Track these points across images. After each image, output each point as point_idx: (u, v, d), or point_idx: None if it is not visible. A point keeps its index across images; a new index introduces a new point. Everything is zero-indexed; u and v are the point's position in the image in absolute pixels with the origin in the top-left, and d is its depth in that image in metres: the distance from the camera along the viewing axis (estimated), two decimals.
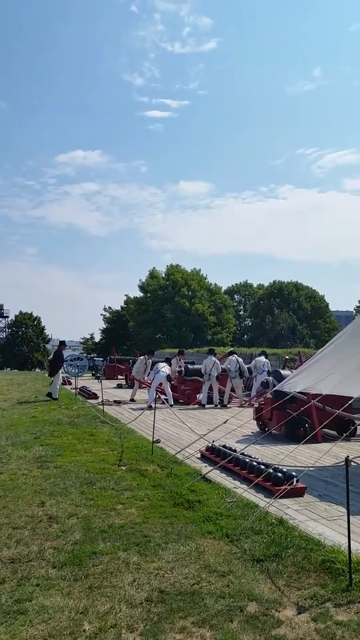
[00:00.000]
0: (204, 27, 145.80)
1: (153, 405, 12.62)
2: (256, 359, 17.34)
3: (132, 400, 16.66)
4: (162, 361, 16.79)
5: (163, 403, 14.03)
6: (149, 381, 16.73)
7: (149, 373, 17.02)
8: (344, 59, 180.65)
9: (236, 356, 16.88)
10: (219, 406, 15.76)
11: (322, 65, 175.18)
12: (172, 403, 15.43)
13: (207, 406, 15.67)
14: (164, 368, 15.58)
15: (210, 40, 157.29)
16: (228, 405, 15.91)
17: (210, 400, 16.01)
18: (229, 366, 16.28)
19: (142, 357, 17.93)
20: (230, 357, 16.84)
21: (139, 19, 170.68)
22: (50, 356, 18.91)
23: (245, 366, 16.66)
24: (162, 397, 14.64)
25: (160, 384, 15.38)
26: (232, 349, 22.14)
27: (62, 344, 18.62)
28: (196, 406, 15.78)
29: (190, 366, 17.39)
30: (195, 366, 17.23)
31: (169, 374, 15.63)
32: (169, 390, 15.61)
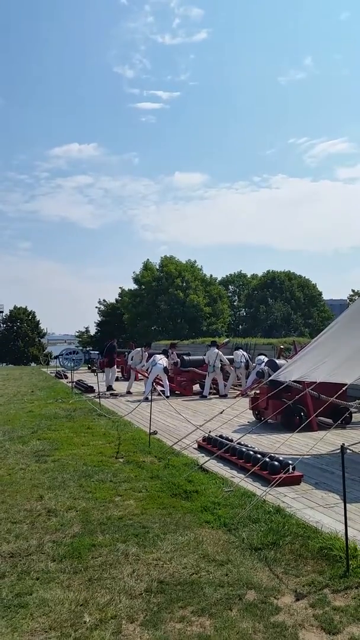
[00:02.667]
0: (194, 17, 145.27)
1: (150, 397, 12.66)
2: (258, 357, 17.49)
3: (129, 392, 16.69)
4: (159, 353, 16.82)
5: (159, 395, 14.08)
6: (144, 371, 16.80)
7: (144, 364, 17.11)
8: (335, 47, 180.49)
9: (242, 350, 17.30)
10: (227, 396, 15.79)
11: (314, 54, 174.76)
12: (169, 394, 15.50)
13: (208, 397, 15.69)
14: (161, 360, 15.62)
15: (200, 30, 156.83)
16: (229, 395, 15.96)
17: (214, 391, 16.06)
18: (232, 357, 16.42)
19: (138, 349, 17.93)
20: (237, 351, 17.12)
21: (129, 10, 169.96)
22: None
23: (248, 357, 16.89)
24: (159, 388, 14.69)
25: (158, 376, 15.44)
26: (227, 339, 22.21)
27: (115, 339, 20.25)
28: (195, 397, 15.81)
29: (186, 357, 17.43)
30: (192, 357, 17.25)
31: (166, 366, 15.69)
32: (167, 382, 15.70)
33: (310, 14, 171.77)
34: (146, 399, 13.83)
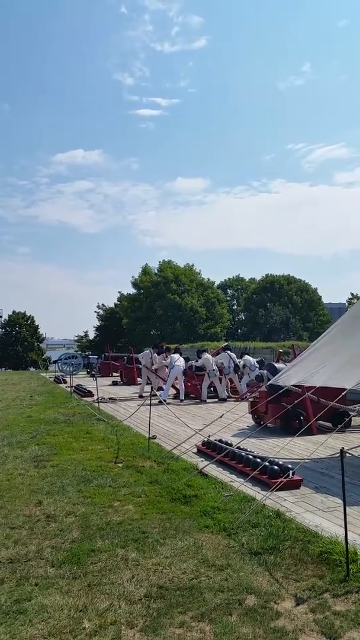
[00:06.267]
0: (193, 25, 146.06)
1: (166, 401, 12.85)
2: (244, 357, 17.36)
3: (141, 396, 16.58)
4: (174, 353, 16.76)
5: (160, 402, 14.10)
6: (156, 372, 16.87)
7: (157, 363, 17.16)
8: (333, 54, 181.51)
9: (229, 352, 16.87)
10: (228, 399, 15.77)
11: (312, 60, 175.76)
12: (183, 398, 15.60)
13: (207, 401, 15.66)
14: (179, 361, 15.65)
15: (199, 38, 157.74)
16: (227, 400, 15.94)
17: (214, 395, 16.09)
18: (222, 361, 16.30)
19: (147, 351, 17.76)
20: (223, 352, 16.82)
21: (128, 19, 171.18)
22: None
23: (238, 360, 16.69)
24: (158, 393, 14.72)
25: (174, 378, 15.61)
26: (226, 343, 22.12)
27: (164, 342, 20.42)
28: (196, 401, 15.81)
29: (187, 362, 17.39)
30: (198, 363, 17.19)
31: (185, 369, 15.72)
32: (182, 384, 15.79)
33: (309, 21, 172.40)
34: (162, 402, 13.98)
